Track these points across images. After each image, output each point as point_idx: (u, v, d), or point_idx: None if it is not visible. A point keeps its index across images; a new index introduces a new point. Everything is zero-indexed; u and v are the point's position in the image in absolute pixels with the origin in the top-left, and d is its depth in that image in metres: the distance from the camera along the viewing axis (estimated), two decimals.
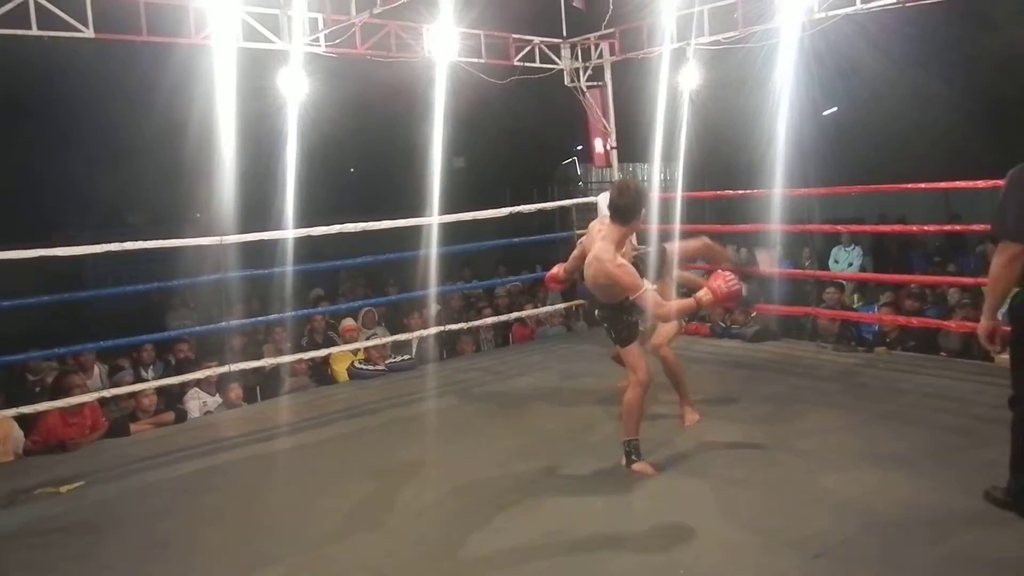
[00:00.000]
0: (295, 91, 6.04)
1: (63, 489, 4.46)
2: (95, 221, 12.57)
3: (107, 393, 5.64)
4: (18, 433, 5.35)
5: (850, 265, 9.90)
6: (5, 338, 7.98)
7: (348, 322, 7.69)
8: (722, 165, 12.90)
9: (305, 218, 6.52)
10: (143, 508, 4.17)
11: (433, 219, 6.70)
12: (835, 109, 11.79)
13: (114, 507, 4.21)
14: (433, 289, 6.92)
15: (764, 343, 6.85)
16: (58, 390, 5.70)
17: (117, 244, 5.27)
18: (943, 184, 7.06)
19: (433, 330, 6.92)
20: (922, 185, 6.24)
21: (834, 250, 10.15)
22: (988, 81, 12.07)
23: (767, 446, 4.32)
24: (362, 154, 13.61)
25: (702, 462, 4.17)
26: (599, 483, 4.00)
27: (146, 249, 5.50)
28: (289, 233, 6.20)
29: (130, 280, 6.55)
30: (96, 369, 7.22)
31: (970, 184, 6.02)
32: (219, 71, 5.58)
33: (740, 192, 7.60)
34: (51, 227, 11.91)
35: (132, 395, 5.90)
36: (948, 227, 7.90)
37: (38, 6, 5.19)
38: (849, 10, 5.87)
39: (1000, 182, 5.46)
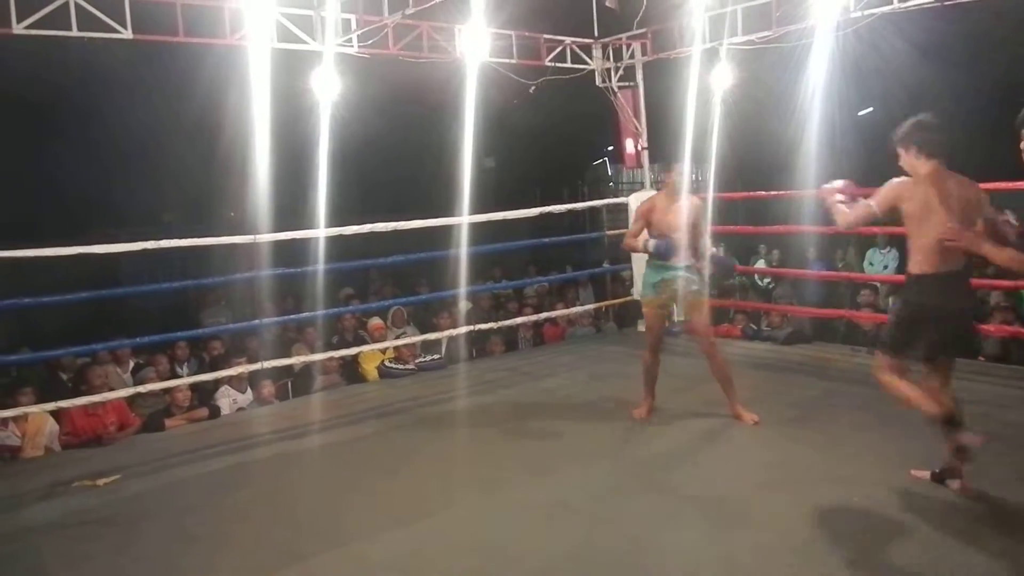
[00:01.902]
0: (328, 91, 6.09)
1: (100, 482, 4.55)
2: (131, 220, 12.77)
3: (125, 392, 5.71)
4: (52, 427, 5.47)
5: (885, 268, 9.75)
6: (43, 335, 8.16)
7: (376, 321, 7.74)
8: (755, 166, 12.77)
9: (336, 217, 6.56)
10: (176, 502, 4.23)
11: (463, 219, 6.71)
12: (871, 109, 11.63)
13: (148, 501, 4.28)
14: (463, 289, 6.94)
15: (796, 346, 6.78)
16: (80, 381, 5.83)
17: (153, 242, 5.35)
18: (982, 185, 6.91)
19: (463, 329, 6.94)
20: None
21: (869, 252, 10.01)
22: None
23: (798, 451, 4.27)
24: (393, 154, 13.67)
25: (731, 466, 4.14)
26: (625, 484, 3.99)
27: (181, 247, 5.59)
28: (321, 232, 6.25)
29: (165, 278, 6.64)
30: (131, 363, 7.34)
31: (1011, 184, 5.90)
32: (253, 71, 5.64)
33: (773, 193, 7.53)
34: (87, 226, 12.15)
35: (166, 391, 6.00)
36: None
37: (78, 7, 5.29)
38: (886, 9, 5.78)
39: None
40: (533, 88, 7.23)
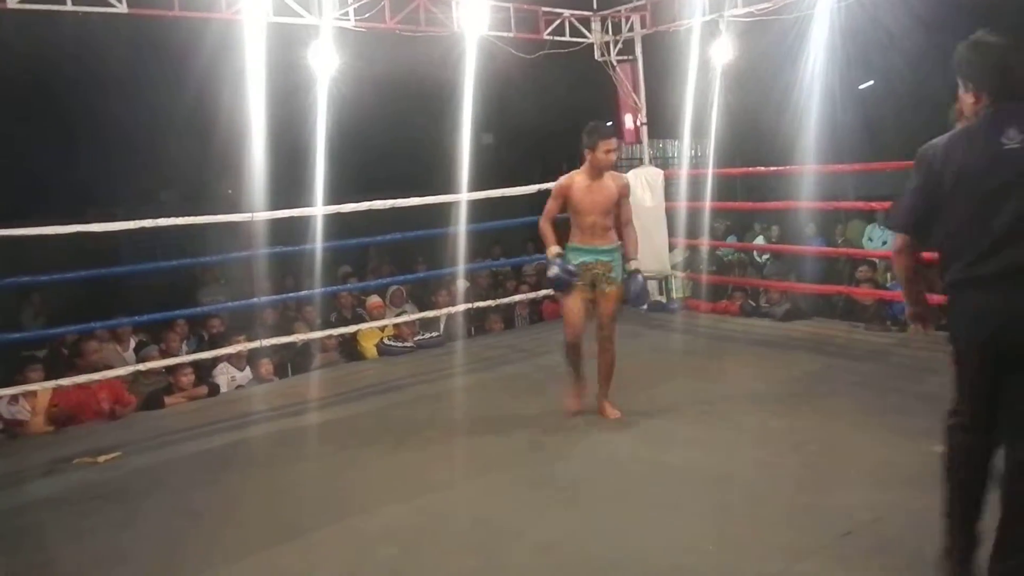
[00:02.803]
0: (325, 67, 6.03)
1: (101, 459, 4.57)
2: (128, 199, 12.71)
3: (124, 371, 5.72)
4: None
5: (884, 243, 9.74)
6: (46, 314, 8.17)
7: (374, 299, 7.74)
8: (754, 141, 12.69)
9: (334, 195, 6.53)
10: (177, 479, 4.26)
11: (462, 196, 6.69)
12: (872, 83, 11.55)
13: (149, 477, 4.31)
14: (462, 266, 6.93)
15: (795, 322, 6.79)
16: (75, 355, 5.86)
17: (151, 220, 5.33)
18: None
19: (461, 307, 6.94)
20: None
21: (868, 228, 9.98)
22: None
23: (798, 426, 4.29)
24: (391, 131, 13.57)
25: (733, 442, 4.15)
26: (628, 460, 4.01)
27: (179, 225, 5.57)
28: (319, 210, 6.23)
29: (164, 256, 6.63)
30: (131, 342, 7.34)
31: None
32: (250, 46, 5.59)
33: (772, 169, 7.50)
34: (86, 204, 12.07)
35: (168, 370, 6.01)
36: None
37: None
38: None
39: None
40: (536, 55, 7.13)
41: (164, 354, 6.54)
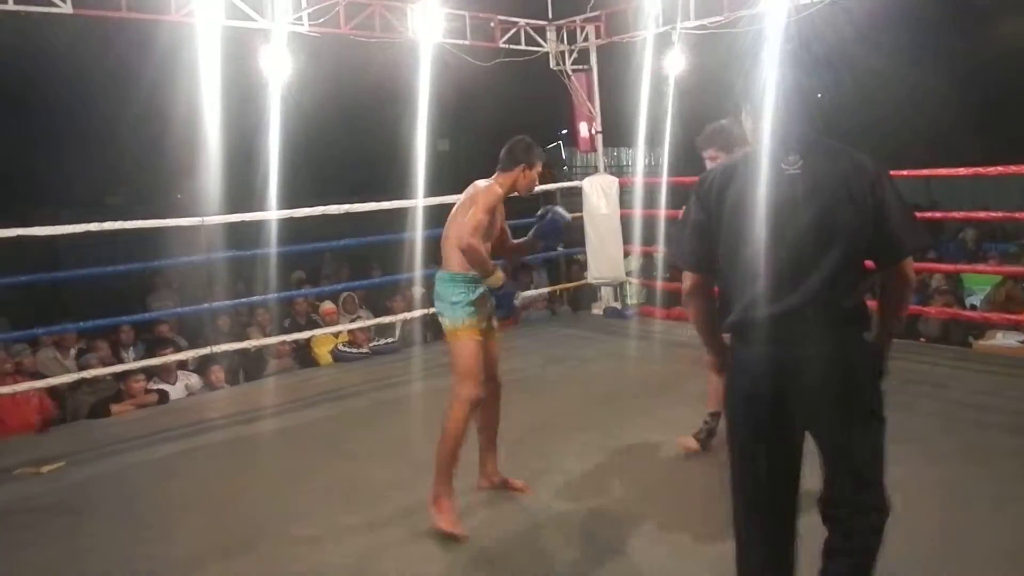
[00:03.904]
0: (278, 71, 5.96)
1: (43, 469, 4.44)
2: (73, 202, 12.43)
3: (68, 378, 5.59)
4: None
5: None
6: None
7: (327, 305, 7.66)
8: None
9: (288, 200, 6.46)
10: (124, 489, 4.15)
11: (418, 202, 6.66)
12: (820, 96, 11.84)
13: (95, 488, 4.19)
14: (418, 272, 6.90)
15: None
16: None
17: (96, 224, 5.21)
18: (924, 171, 7.12)
19: (417, 313, 6.91)
20: (904, 172, 6.29)
21: None
22: (974, 72, 12.13)
23: None
24: (346, 137, 13.49)
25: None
26: (584, 466, 4.03)
27: (127, 229, 5.45)
28: (272, 215, 6.15)
29: (110, 262, 6.46)
30: (72, 350, 7.16)
31: (951, 172, 6.07)
32: (202, 50, 5.50)
33: None
34: (29, 207, 11.77)
35: (117, 376, 5.87)
36: (928, 214, 7.95)
37: None
38: None
39: (983, 170, 5.55)
40: (492, 63, 7.15)
41: (103, 362, 6.41)
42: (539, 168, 3.69)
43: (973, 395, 4.75)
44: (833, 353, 2.12)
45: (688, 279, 2.32)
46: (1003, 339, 6.22)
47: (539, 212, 3.85)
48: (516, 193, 3.65)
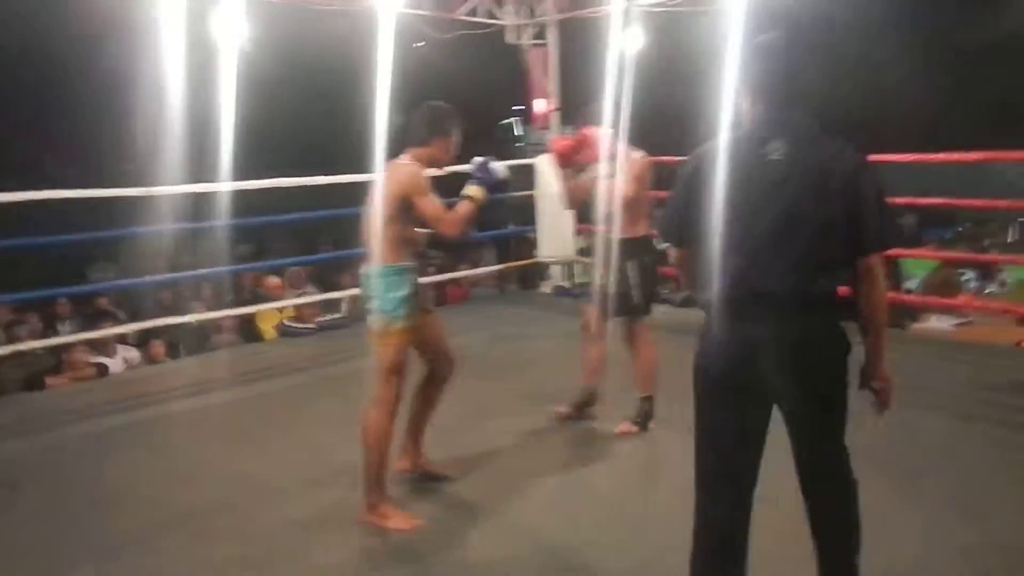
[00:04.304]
0: (230, 37, 5.77)
1: None
2: (11, 168, 11.97)
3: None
4: None
5: None
6: None
7: (272, 279, 7.53)
8: (662, 130, 12.94)
9: (238, 172, 6.29)
10: (63, 463, 4.04)
11: (371, 176, 6.54)
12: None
13: (31, 461, 4.08)
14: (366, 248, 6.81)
15: (693, 308, 6.97)
16: None
17: (39, 192, 5.02)
18: (868, 157, 7.23)
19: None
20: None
21: None
22: (948, 57, 12.32)
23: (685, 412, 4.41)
24: (299, 107, 13.22)
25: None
26: (525, 444, 4.05)
27: (69, 199, 5.26)
28: (220, 186, 5.98)
29: (49, 232, 6.22)
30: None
31: (895, 157, 6.19)
32: (150, 13, 5.31)
33: (679, 158, 7.66)
34: None
35: (52, 349, 5.71)
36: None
37: None
38: None
39: (924, 156, 5.67)
40: (421, 45, 7.05)
41: (34, 334, 6.23)
42: (455, 138, 3.34)
43: (907, 377, 4.83)
44: (800, 335, 2.19)
45: (673, 252, 2.45)
46: (937, 323, 6.43)
47: (473, 163, 3.36)
48: (434, 169, 3.32)
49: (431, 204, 3.15)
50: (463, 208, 3.22)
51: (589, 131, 3.88)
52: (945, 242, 9.66)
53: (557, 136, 3.90)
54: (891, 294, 6.67)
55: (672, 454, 3.78)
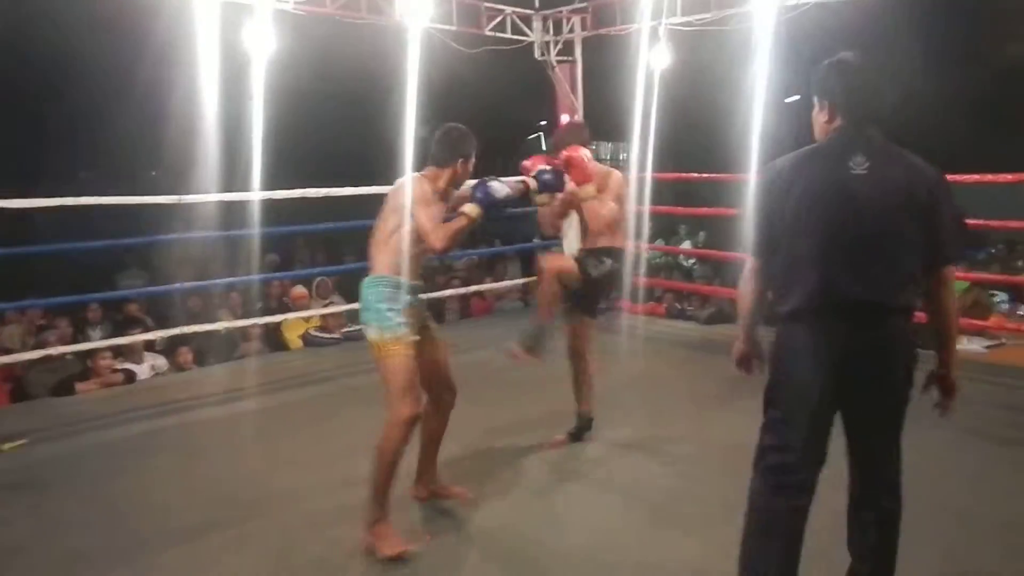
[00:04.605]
0: (261, 49, 5.86)
1: (5, 447, 4.36)
2: (46, 177, 12.18)
3: (33, 355, 5.49)
4: None
5: None
6: None
7: (298, 289, 7.57)
8: (686, 147, 12.93)
9: (267, 182, 6.36)
10: (91, 467, 4.09)
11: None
12: (798, 97, 11.92)
13: (61, 466, 4.12)
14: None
15: (717, 326, 6.94)
16: None
17: (72, 198, 5.10)
18: None
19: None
20: None
21: None
22: (965, 75, 12.22)
23: (710, 431, 4.38)
24: (328, 119, 13.35)
25: (651, 443, 4.22)
26: (554, 460, 4.03)
27: (101, 205, 5.34)
28: (249, 196, 6.06)
29: (81, 239, 6.32)
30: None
31: None
32: (184, 24, 5.40)
33: (705, 176, 7.64)
34: (3, 181, 11.53)
35: (85, 354, 5.78)
36: None
37: None
38: None
39: (959, 177, 5.60)
40: (477, 50, 7.08)
41: (63, 340, 6.31)
42: (473, 159, 3.32)
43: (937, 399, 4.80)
44: (882, 344, 2.31)
45: (749, 263, 2.49)
46: (968, 344, 6.31)
47: (472, 186, 3.32)
48: (454, 189, 3.29)
49: (425, 214, 3.10)
50: (455, 223, 3.16)
51: (574, 153, 3.74)
52: (977, 263, 9.52)
53: (535, 159, 3.80)
54: (920, 314, 6.64)
55: (701, 476, 3.76)
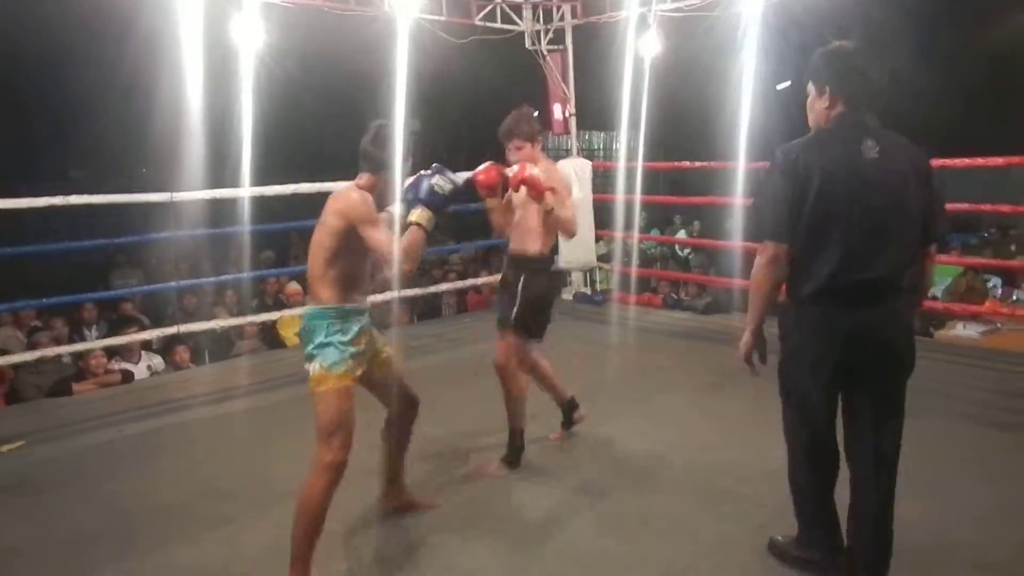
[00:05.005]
0: (249, 42, 5.82)
1: (3, 448, 4.34)
2: (36, 176, 12.12)
3: (27, 356, 5.45)
4: None
5: None
6: None
7: (293, 286, 7.55)
8: (679, 136, 12.92)
9: (258, 177, 6.34)
10: (89, 468, 4.08)
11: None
12: (789, 83, 11.89)
13: (59, 467, 4.11)
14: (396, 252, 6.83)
15: (715, 315, 6.95)
16: None
17: (61, 197, 5.07)
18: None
19: (386, 295, 6.84)
20: None
21: None
22: (952, 61, 12.22)
23: (713, 416, 4.40)
24: (318, 112, 13.29)
25: (660, 430, 4.23)
26: (549, 452, 4.04)
27: (92, 204, 5.31)
28: (242, 192, 6.04)
29: (71, 238, 6.30)
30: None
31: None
32: (168, 18, 5.35)
33: (697, 164, 7.63)
34: None
35: (78, 355, 5.76)
36: None
37: None
38: None
39: (949, 161, 5.61)
40: (467, 40, 7.03)
41: (57, 340, 6.28)
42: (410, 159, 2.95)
43: (933, 384, 4.81)
44: (897, 316, 2.48)
45: (769, 249, 2.49)
46: (963, 330, 6.34)
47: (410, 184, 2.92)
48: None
49: (378, 236, 2.75)
50: (413, 240, 2.76)
51: (525, 174, 3.48)
52: (970, 248, 9.54)
53: (487, 166, 3.56)
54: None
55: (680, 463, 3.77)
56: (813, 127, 2.55)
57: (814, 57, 2.52)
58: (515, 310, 3.73)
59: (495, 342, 3.82)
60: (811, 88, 2.53)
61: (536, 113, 4.70)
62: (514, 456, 3.83)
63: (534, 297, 3.74)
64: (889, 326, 2.45)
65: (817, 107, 2.51)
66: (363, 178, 2.90)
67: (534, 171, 3.51)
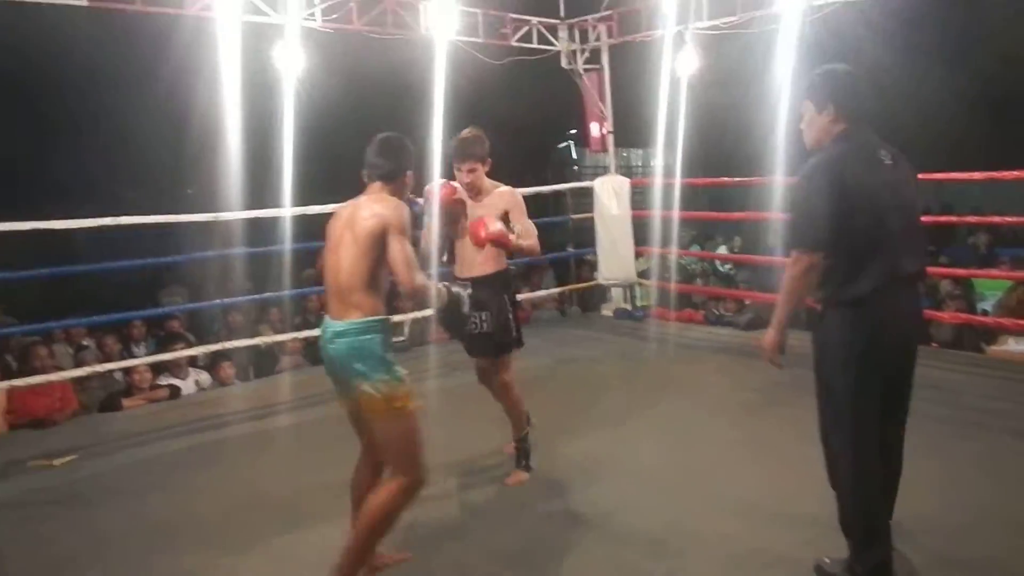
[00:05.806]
0: (291, 67, 5.97)
1: (56, 462, 4.47)
2: (89, 198, 12.49)
3: (72, 373, 5.58)
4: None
5: None
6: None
7: None
8: (718, 152, 12.86)
9: (301, 196, 6.47)
10: (137, 483, 4.18)
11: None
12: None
13: (108, 481, 4.23)
14: (434, 269, 6.90)
15: (758, 331, 6.87)
16: (23, 361, 5.73)
17: (112, 218, 5.24)
18: (938, 175, 7.06)
19: (426, 312, 6.90)
20: (918, 175, 6.27)
21: None
22: (990, 72, 12.03)
23: (757, 434, 4.35)
24: (358, 132, 13.52)
25: (701, 447, 4.20)
26: (591, 468, 4.04)
27: (142, 224, 5.47)
28: (285, 212, 6.18)
29: (123, 257, 6.50)
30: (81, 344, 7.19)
31: (964, 176, 6.03)
32: (218, 45, 5.52)
33: (736, 180, 7.59)
34: (42, 204, 11.81)
35: (126, 371, 5.91)
36: (942, 218, 7.91)
37: None
38: None
39: (997, 174, 5.52)
40: (504, 61, 7.11)
41: (107, 357, 6.45)
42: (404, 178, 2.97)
43: (986, 401, 4.73)
44: (919, 308, 2.87)
45: (807, 258, 2.62)
46: (1015, 345, 6.17)
47: None
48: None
49: (404, 249, 2.74)
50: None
51: (482, 231, 3.55)
52: (1020, 261, 9.31)
53: (442, 184, 3.63)
54: (965, 316, 6.52)
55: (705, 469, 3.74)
56: (814, 143, 2.73)
57: (811, 77, 2.74)
58: (513, 331, 3.86)
59: (479, 366, 3.90)
60: (809, 106, 2.72)
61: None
62: (528, 459, 3.93)
63: (515, 308, 3.89)
64: (919, 317, 2.84)
65: (818, 124, 2.70)
66: (376, 188, 2.89)
67: (495, 227, 3.53)
